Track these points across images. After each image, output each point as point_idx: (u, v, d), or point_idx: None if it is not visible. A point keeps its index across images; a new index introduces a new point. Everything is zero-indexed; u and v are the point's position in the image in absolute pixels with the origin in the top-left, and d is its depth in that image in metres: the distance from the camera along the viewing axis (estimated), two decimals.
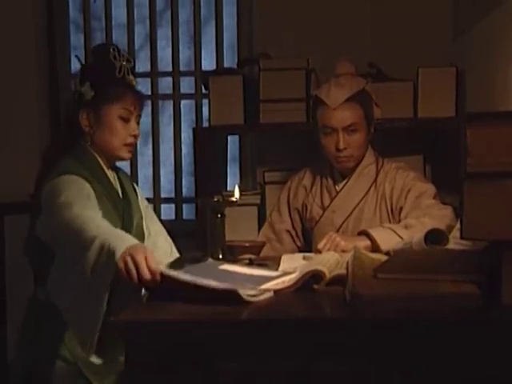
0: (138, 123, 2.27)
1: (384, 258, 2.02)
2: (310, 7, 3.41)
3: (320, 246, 2.31)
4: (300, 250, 2.66)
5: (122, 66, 2.21)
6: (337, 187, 2.66)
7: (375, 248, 2.29)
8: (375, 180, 2.62)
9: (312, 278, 1.80)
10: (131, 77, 2.24)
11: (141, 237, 2.29)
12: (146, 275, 1.74)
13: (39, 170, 2.22)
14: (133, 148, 2.28)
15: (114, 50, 2.21)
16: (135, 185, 2.44)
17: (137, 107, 2.24)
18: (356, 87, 2.57)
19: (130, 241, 1.85)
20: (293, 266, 2.02)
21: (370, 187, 2.62)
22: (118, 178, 2.31)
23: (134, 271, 1.75)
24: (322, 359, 1.50)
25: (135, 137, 2.25)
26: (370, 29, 3.35)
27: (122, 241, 1.83)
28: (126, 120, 2.21)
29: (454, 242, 2.01)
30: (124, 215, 2.23)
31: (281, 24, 3.41)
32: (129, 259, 1.76)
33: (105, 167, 2.24)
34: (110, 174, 2.26)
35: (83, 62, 2.30)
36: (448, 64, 3.09)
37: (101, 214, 2.02)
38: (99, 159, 2.22)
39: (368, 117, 2.57)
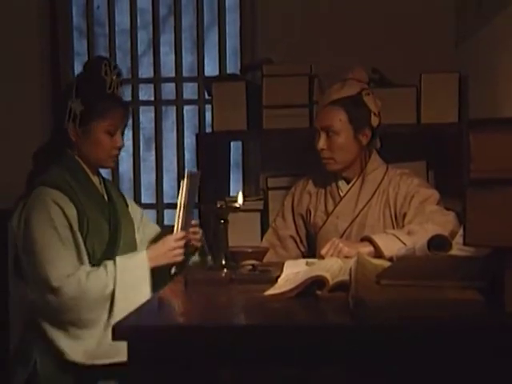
0: (122, 134, 2.34)
1: (387, 264, 2.02)
2: (312, 13, 3.42)
3: (323, 251, 2.31)
4: (304, 256, 2.66)
5: (113, 81, 2.26)
6: (340, 193, 2.65)
7: (378, 254, 2.28)
8: (379, 186, 2.62)
9: (315, 284, 1.80)
10: (120, 89, 2.31)
11: (131, 244, 2.35)
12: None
13: (30, 171, 2.33)
14: (117, 158, 2.37)
15: (105, 65, 2.26)
16: (123, 194, 2.55)
17: (123, 120, 2.32)
18: (345, 93, 2.57)
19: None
20: (295, 271, 2.02)
21: (374, 193, 2.62)
22: (104, 185, 2.39)
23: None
24: (325, 365, 1.50)
25: (120, 148, 2.33)
26: (373, 34, 3.35)
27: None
28: (111, 134, 2.29)
29: (457, 248, 2.01)
30: (110, 218, 2.31)
31: (284, 30, 3.41)
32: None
33: (90, 174, 2.33)
34: (96, 180, 2.36)
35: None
36: (451, 70, 3.09)
37: (76, 252, 2.17)
38: (85, 166, 2.31)
39: (354, 122, 2.56)
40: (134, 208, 2.50)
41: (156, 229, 2.54)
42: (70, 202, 2.19)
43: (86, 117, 2.24)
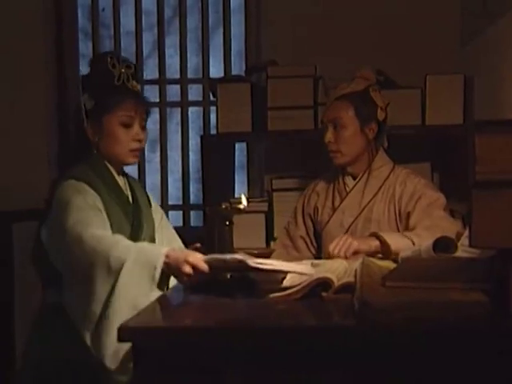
0: (142, 128, 2.27)
1: (392, 265, 2.02)
2: (317, 14, 3.42)
3: (331, 247, 2.30)
4: (315, 257, 2.66)
5: (122, 73, 2.23)
6: (347, 188, 2.67)
7: (386, 248, 2.30)
8: (385, 182, 2.64)
9: (320, 286, 1.80)
10: (133, 82, 2.26)
11: None
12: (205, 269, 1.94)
13: (55, 178, 2.26)
14: (139, 152, 2.29)
15: (111, 58, 2.24)
16: (149, 194, 2.48)
17: (138, 112, 2.25)
18: (352, 88, 2.62)
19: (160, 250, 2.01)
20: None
21: (380, 188, 2.63)
22: (129, 185, 2.34)
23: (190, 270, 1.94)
24: (329, 367, 1.50)
25: (140, 141, 2.26)
26: (378, 36, 3.35)
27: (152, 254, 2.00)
28: (127, 126, 2.23)
29: (463, 250, 2.01)
30: (133, 220, 2.27)
31: (288, 31, 3.42)
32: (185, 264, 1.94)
33: (115, 173, 2.28)
34: (121, 180, 2.31)
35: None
36: (456, 71, 3.09)
37: (108, 226, 2.08)
38: (109, 166, 2.26)
39: (361, 116, 2.59)
40: (155, 209, 2.46)
41: (173, 233, 2.48)
42: (95, 193, 2.14)
43: (99, 111, 2.21)
